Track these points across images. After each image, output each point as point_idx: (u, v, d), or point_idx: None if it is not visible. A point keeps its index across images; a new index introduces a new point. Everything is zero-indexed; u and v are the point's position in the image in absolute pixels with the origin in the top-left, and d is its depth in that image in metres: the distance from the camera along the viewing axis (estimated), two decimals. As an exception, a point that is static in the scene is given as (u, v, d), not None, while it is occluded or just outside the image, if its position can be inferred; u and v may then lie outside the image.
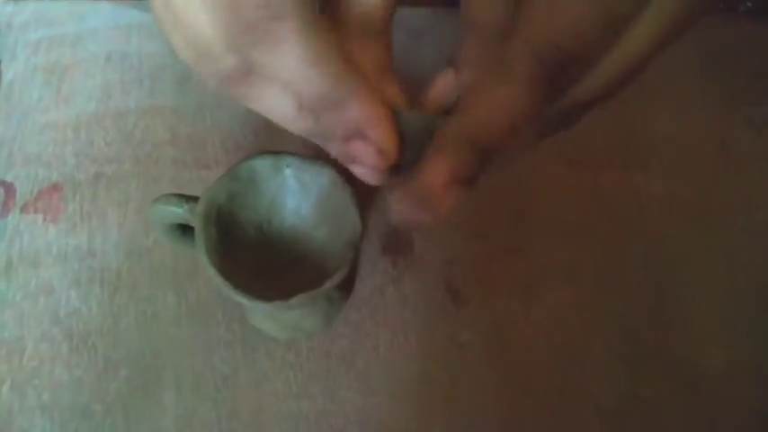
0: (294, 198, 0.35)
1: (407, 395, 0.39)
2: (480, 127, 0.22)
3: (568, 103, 0.23)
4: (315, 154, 0.34)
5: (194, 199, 0.33)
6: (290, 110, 0.22)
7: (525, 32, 0.21)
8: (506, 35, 0.21)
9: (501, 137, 0.22)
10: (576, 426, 0.39)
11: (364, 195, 0.33)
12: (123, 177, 0.43)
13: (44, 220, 0.42)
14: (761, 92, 0.48)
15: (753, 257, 0.43)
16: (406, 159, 0.24)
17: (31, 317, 0.39)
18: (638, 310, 0.41)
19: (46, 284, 0.40)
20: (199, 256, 0.32)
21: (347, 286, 0.39)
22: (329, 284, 0.31)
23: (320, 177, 0.34)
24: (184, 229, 0.35)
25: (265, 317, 0.37)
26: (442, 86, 0.25)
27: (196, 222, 0.32)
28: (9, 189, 0.43)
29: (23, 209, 0.42)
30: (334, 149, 0.24)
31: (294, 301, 0.31)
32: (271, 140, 0.45)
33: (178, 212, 0.33)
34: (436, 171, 0.23)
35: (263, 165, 0.34)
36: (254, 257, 0.34)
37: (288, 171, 0.34)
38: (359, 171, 0.25)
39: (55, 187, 0.43)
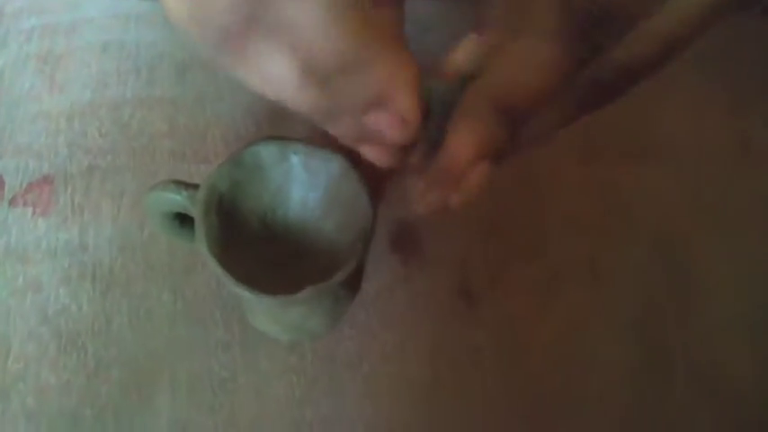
0: (301, 187, 0.33)
1: (417, 401, 0.37)
2: (509, 87, 0.20)
3: (606, 68, 0.21)
4: (323, 141, 0.32)
5: (194, 186, 0.31)
6: (293, 77, 0.19)
7: None
8: None
9: (531, 99, 0.20)
10: (597, 435, 0.37)
11: (372, 189, 0.31)
12: (118, 170, 0.41)
13: (34, 213, 0.40)
14: (781, 90, 0.47)
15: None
16: (426, 135, 0.22)
17: (18, 315, 0.37)
18: (658, 311, 0.39)
19: (34, 281, 0.38)
20: (198, 247, 0.29)
21: (354, 284, 0.37)
22: (339, 276, 0.28)
23: (329, 165, 0.32)
24: (183, 220, 0.33)
25: (267, 316, 0.35)
26: (465, 53, 0.23)
27: (196, 211, 0.30)
28: (-3, 180, 0.40)
29: (12, 201, 0.40)
30: (342, 127, 0.21)
31: (301, 295, 0.28)
32: (273, 132, 0.42)
33: (176, 200, 0.30)
34: (462, 143, 0.21)
35: (267, 151, 0.32)
36: (258, 250, 0.32)
37: (295, 158, 0.32)
38: (372, 152, 0.23)
39: (46, 179, 0.41)
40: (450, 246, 0.40)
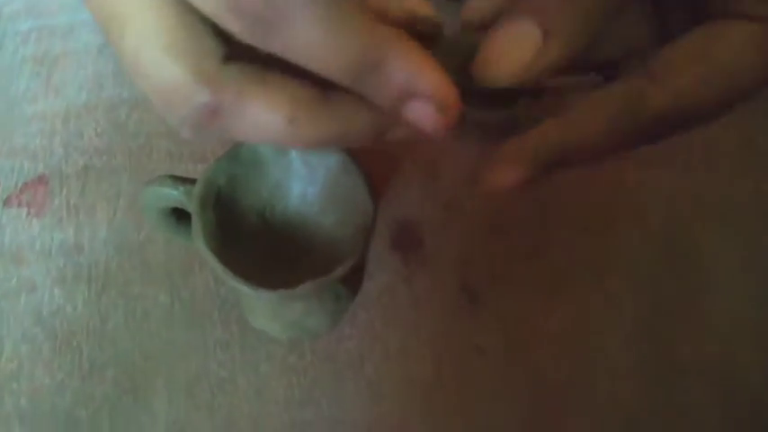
0: (300, 182, 0.32)
1: (420, 402, 0.36)
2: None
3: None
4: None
5: (191, 181, 0.30)
6: (281, 121, 0.17)
7: None
8: None
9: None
10: (604, 436, 0.36)
11: (373, 185, 0.30)
12: (114, 170, 0.41)
13: (28, 213, 0.39)
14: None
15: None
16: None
17: (11, 316, 0.36)
18: (667, 312, 0.38)
19: (28, 281, 0.37)
20: (195, 243, 0.29)
21: (355, 281, 0.36)
22: (340, 271, 0.28)
23: (328, 159, 0.31)
24: (180, 217, 0.32)
25: (266, 314, 0.34)
26: (481, 3, 0.21)
27: (193, 206, 0.29)
28: (-9, 181, 0.40)
29: (6, 202, 0.39)
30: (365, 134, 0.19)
31: (300, 289, 0.28)
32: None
33: (173, 195, 0.30)
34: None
35: (266, 147, 0.31)
36: (257, 246, 0.31)
37: (293, 153, 0.32)
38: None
39: (41, 180, 0.40)
40: (453, 244, 0.39)
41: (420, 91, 0.17)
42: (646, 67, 0.20)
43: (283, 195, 0.32)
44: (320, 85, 0.18)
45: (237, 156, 0.31)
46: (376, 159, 0.38)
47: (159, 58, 0.17)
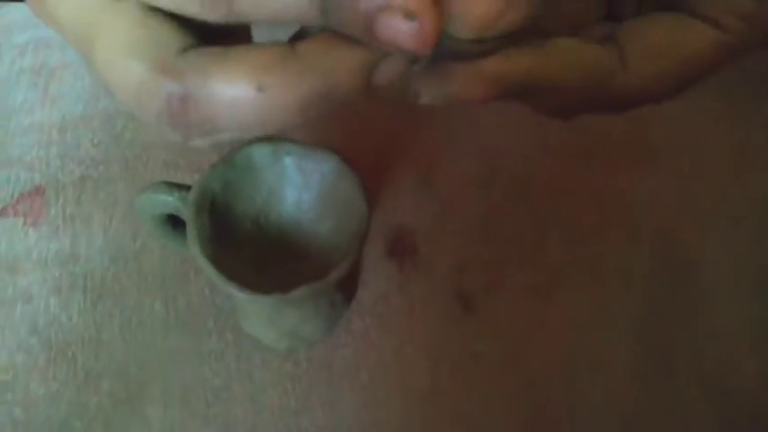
0: (294, 188, 0.32)
1: (416, 410, 0.36)
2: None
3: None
4: (317, 141, 0.32)
5: (186, 188, 0.30)
6: (249, 91, 0.17)
7: None
8: None
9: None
10: (601, 442, 0.36)
11: (367, 192, 0.30)
12: (110, 180, 0.41)
13: (24, 223, 0.39)
14: (777, 93, 0.47)
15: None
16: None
17: (7, 326, 0.36)
18: (661, 315, 0.38)
19: (24, 291, 0.37)
20: (191, 249, 0.29)
21: (349, 288, 0.36)
22: (335, 275, 0.28)
23: (322, 166, 0.32)
24: (175, 224, 0.32)
25: (261, 322, 0.34)
26: None
27: (188, 212, 0.29)
28: (-13, 192, 0.40)
29: (2, 212, 0.39)
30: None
31: (295, 293, 0.28)
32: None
33: (168, 201, 0.30)
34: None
35: (260, 153, 0.32)
36: (252, 253, 0.32)
37: (288, 159, 0.32)
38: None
39: (37, 190, 0.40)
40: (447, 250, 0.40)
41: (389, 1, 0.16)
42: (617, 44, 0.22)
43: (278, 201, 0.33)
44: (287, 45, 0.17)
45: (232, 162, 0.31)
46: (370, 166, 0.39)
47: (123, 60, 0.17)
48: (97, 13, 0.18)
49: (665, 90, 0.23)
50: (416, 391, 0.36)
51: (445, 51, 0.19)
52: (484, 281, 0.39)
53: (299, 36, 0.19)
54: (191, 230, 0.29)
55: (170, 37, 0.17)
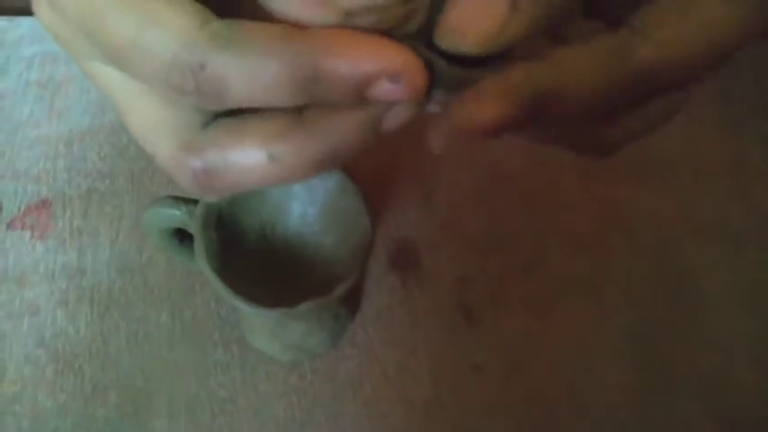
0: (299, 203, 0.33)
1: (419, 421, 0.36)
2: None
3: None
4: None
5: (193, 202, 0.31)
6: (262, 160, 0.17)
7: None
8: None
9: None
10: (602, 453, 0.36)
11: (370, 206, 0.31)
12: (117, 193, 0.41)
13: (31, 236, 0.40)
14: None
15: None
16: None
17: (14, 338, 0.37)
18: (659, 325, 0.39)
19: (31, 304, 0.38)
20: (198, 262, 0.29)
21: (353, 302, 0.37)
22: (340, 290, 0.28)
23: (327, 181, 0.32)
24: (182, 238, 0.33)
25: (266, 335, 0.35)
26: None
27: (195, 226, 0.30)
28: (-5, 205, 0.40)
29: (10, 225, 0.40)
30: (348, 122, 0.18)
31: (300, 308, 0.28)
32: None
33: (176, 215, 0.30)
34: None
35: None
36: (258, 266, 0.32)
37: (293, 175, 0.32)
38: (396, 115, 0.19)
39: (44, 203, 0.41)
40: (449, 263, 0.40)
41: (370, 74, 0.16)
42: (628, 24, 0.20)
43: (283, 215, 0.33)
44: (295, 111, 0.18)
45: (238, 178, 0.31)
46: (373, 180, 0.39)
47: (154, 138, 0.19)
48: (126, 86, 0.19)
49: (691, 60, 0.20)
50: (419, 403, 0.36)
51: (452, 81, 0.19)
52: (485, 293, 0.39)
53: None
54: (198, 244, 0.29)
55: (191, 114, 0.18)
